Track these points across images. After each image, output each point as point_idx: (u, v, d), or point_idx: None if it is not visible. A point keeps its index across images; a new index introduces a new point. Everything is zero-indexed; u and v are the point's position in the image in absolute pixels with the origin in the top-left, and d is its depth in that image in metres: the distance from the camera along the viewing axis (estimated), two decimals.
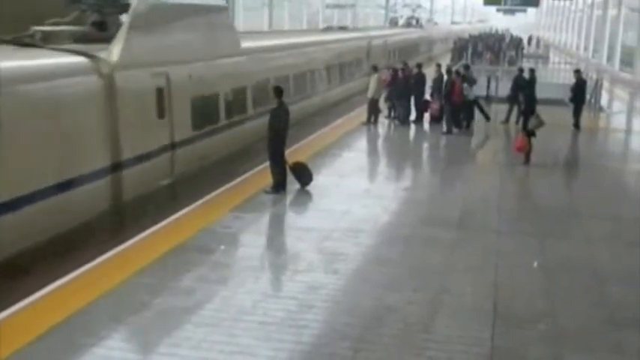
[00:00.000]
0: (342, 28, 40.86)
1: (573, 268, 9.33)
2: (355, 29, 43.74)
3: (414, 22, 58.14)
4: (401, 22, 58.21)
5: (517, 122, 20.54)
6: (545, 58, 57.38)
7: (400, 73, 20.98)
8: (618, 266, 9.44)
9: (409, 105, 20.77)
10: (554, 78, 37.08)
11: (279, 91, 12.68)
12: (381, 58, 34.35)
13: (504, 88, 24.02)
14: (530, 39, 74.71)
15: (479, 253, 9.79)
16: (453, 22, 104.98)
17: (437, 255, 9.66)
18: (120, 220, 11.45)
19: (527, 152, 15.37)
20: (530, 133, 15.49)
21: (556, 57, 62.04)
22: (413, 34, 51.42)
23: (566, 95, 22.30)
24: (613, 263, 9.58)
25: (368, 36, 35.55)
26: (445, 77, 20.61)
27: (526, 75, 21.80)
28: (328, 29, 39.61)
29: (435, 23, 78.55)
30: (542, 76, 29.02)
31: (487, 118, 21.50)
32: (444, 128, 19.36)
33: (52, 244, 9.57)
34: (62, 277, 8.23)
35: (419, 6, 70.26)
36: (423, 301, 8.07)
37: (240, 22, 56.53)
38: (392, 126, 20.61)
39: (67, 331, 7.01)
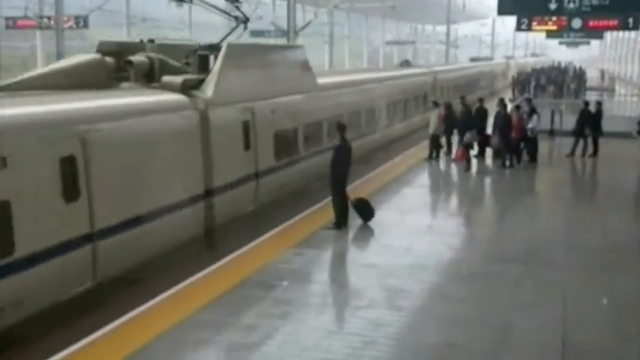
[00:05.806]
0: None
1: None
2: None
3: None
4: None
5: (583, 155, 20.73)
6: (612, 91, 56.28)
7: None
8: None
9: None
10: (620, 111, 36.30)
11: (342, 128, 12.76)
12: None
13: (568, 122, 23.68)
14: (603, 74, 73.09)
15: (545, 289, 9.55)
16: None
17: (502, 291, 9.48)
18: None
19: (466, 161, 18.63)
20: (466, 146, 18.91)
21: (622, 89, 60.85)
22: None
23: (633, 128, 21.83)
24: None
25: None
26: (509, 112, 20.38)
27: (592, 108, 21.44)
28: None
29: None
30: (607, 109, 28.46)
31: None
32: (507, 162, 19.09)
33: None
34: (122, 315, 8.34)
35: None
36: (488, 337, 7.91)
37: None
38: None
39: None
